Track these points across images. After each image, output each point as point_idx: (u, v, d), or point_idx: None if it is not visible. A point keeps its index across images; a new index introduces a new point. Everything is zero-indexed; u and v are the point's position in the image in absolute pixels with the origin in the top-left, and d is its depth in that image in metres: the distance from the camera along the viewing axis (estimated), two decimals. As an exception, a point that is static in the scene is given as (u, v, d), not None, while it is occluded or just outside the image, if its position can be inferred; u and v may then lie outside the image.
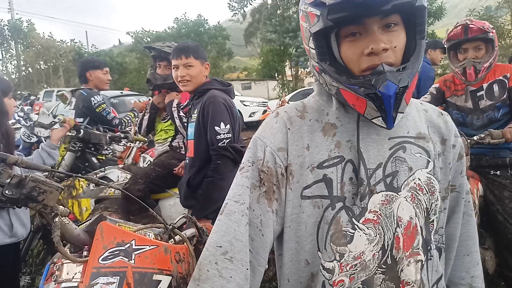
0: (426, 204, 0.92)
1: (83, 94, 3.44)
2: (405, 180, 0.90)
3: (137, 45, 28.47)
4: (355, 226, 0.87)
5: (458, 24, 2.44)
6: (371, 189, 0.88)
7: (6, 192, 0.99)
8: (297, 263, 0.93)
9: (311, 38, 0.87)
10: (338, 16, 0.80)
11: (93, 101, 3.40)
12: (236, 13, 24.38)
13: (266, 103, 14.17)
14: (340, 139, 0.90)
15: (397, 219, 0.88)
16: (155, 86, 3.00)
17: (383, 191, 0.88)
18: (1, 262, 2.00)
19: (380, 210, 0.88)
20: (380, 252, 0.88)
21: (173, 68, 2.32)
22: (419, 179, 0.91)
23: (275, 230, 0.91)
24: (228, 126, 2.18)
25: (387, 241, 0.88)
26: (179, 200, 2.50)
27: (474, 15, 16.97)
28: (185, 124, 2.63)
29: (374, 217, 0.88)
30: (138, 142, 3.88)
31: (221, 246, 0.86)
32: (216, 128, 2.16)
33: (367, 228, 0.88)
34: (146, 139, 3.93)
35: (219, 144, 2.15)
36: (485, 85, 2.43)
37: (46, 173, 1.94)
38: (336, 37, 0.86)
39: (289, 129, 0.93)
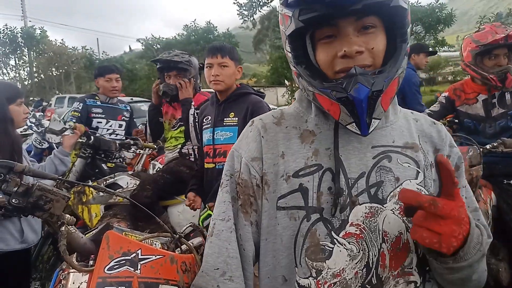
0: None
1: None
2: (391, 191, 0.83)
3: (147, 52, 28.76)
4: (335, 240, 0.80)
5: (485, 29, 2.46)
6: (353, 200, 0.81)
7: (13, 200, 1.00)
8: (274, 280, 0.87)
9: (287, 41, 0.85)
10: (308, 16, 0.77)
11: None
12: (245, 20, 24.51)
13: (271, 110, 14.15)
14: (318, 147, 0.86)
15: (382, 233, 0.81)
16: (172, 97, 2.96)
17: (367, 202, 0.82)
18: (12, 267, 2.02)
19: (363, 223, 0.81)
20: (364, 270, 0.80)
21: (207, 67, 2.30)
22: None
23: (256, 242, 0.90)
24: None
25: (372, 258, 0.80)
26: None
27: (485, 21, 16.84)
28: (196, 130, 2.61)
29: (356, 230, 0.81)
30: (147, 149, 3.89)
31: (218, 268, 0.85)
32: None
33: (348, 242, 0.80)
34: (155, 146, 3.95)
35: None
36: (497, 94, 2.46)
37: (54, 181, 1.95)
38: (311, 40, 0.84)
39: (263, 137, 0.90)
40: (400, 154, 0.86)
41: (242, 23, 26.58)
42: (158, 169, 3.68)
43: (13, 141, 1.97)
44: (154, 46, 28.25)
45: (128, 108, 3.81)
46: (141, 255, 1.10)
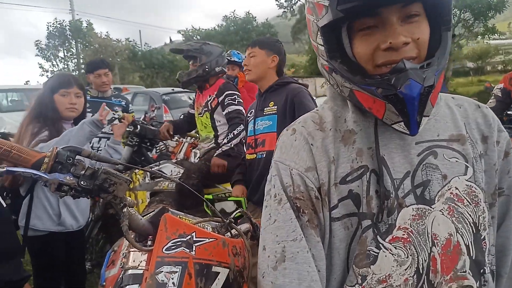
0: (472, 218, 0.78)
1: None
2: (439, 191, 0.77)
3: (179, 45, 29.17)
4: (380, 245, 0.76)
5: None
6: (400, 202, 0.76)
7: (81, 183, 1.07)
8: None
9: (318, 33, 0.77)
10: (350, 6, 0.69)
11: None
12: (285, 11, 24.29)
13: (314, 100, 14.03)
14: (361, 146, 0.79)
15: (432, 236, 0.76)
16: (183, 83, 3.16)
17: (414, 204, 0.77)
18: (51, 248, 2.15)
19: (411, 226, 0.76)
20: (415, 276, 0.75)
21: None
22: (457, 188, 0.78)
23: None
24: None
25: (422, 263, 0.75)
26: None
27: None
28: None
29: (404, 234, 0.76)
30: (189, 137, 4.01)
31: None
32: None
33: (395, 247, 0.76)
34: (197, 135, 4.05)
35: None
36: None
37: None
38: (348, 31, 0.75)
39: (312, 144, 0.82)
40: (447, 149, 0.80)
41: (281, 14, 26.38)
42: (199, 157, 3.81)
43: (57, 131, 2.09)
44: (194, 37, 28.64)
45: (123, 103, 3.79)
46: (196, 238, 1.16)
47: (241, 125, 2.83)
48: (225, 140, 2.89)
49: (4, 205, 1.38)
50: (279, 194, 0.81)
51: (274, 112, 2.28)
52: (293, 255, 0.76)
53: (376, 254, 0.76)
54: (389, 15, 0.71)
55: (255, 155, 2.35)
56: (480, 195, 0.79)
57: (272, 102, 2.30)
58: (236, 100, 2.93)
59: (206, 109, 3.10)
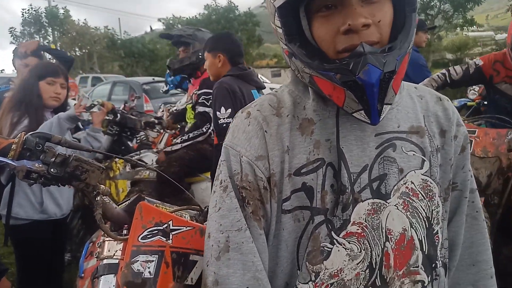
0: (425, 213, 0.77)
1: None
2: (395, 185, 0.75)
3: (168, 32, 28.76)
4: (334, 240, 0.73)
5: None
6: (355, 197, 0.73)
7: (51, 170, 1.03)
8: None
9: (276, 14, 0.72)
10: None
11: None
12: None
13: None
14: (319, 138, 0.75)
15: (386, 231, 0.74)
16: (174, 70, 3.11)
17: (369, 198, 0.74)
18: (34, 237, 2.10)
19: (365, 221, 0.74)
20: (367, 271, 0.74)
21: None
22: (412, 183, 0.76)
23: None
24: (229, 110, 2.23)
25: (375, 258, 0.74)
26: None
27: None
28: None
29: (358, 229, 0.74)
30: (169, 129, 3.96)
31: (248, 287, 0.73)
32: (217, 113, 2.25)
33: (348, 242, 0.73)
34: (178, 126, 4.01)
35: (220, 129, 2.23)
36: None
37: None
38: (307, 12, 0.71)
39: (266, 131, 0.76)
40: (405, 141, 0.77)
41: (263, 2, 26.21)
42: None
43: (36, 114, 2.04)
44: (175, 26, 28.21)
45: None
46: (173, 226, 1.13)
47: (203, 129, 2.83)
48: (178, 140, 2.92)
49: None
50: (225, 181, 0.76)
51: None
52: (238, 245, 0.73)
53: (330, 250, 0.74)
54: None
55: None
56: (435, 190, 0.78)
57: None
58: (209, 101, 2.90)
59: (191, 101, 3.08)
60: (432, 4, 19.85)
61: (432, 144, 0.79)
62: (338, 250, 0.73)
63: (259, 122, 0.77)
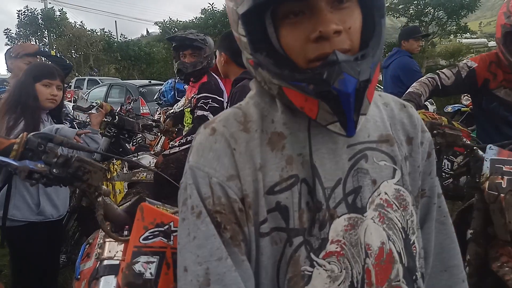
0: (401, 223, 0.74)
1: None
2: (369, 197, 0.72)
3: (164, 35, 28.62)
4: (314, 262, 0.69)
5: None
6: (331, 213, 0.69)
7: (54, 170, 1.03)
8: None
9: (239, 22, 0.67)
10: None
11: None
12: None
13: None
14: (291, 153, 0.70)
15: (365, 247, 0.70)
16: (187, 74, 3.06)
17: (345, 213, 0.70)
18: (30, 238, 2.09)
19: (343, 238, 0.69)
20: None
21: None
22: (386, 193, 0.73)
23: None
24: None
25: (356, 276, 0.70)
26: None
27: None
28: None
29: (337, 248, 0.69)
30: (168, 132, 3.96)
31: None
32: None
33: (329, 263, 0.69)
34: (175, 129, 4.01)
35: None
36: None
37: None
38: (273, 18, 0.66)
39: (234, 149, 0.70)
40: (376, 151, 0.74)
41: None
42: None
43: (32, 116, 2.03)
44: (172, 30, 28.22)
45: None
46: (174, 227, 1.13)
47: None
48: (176, 143, 2.92)
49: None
50: (198, 206, 0.69)
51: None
52: (219, 276, 0.66)
53: (310, 273, 0.69)
54: (317, 0, 0.63)
55: None
56: (408, 198, 0.76)
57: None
58: (208, 105, 2.91)
59: (189, 105, 3.09)
60: (426, 11, 20.04)
61: (401, 152, 0.77)
62: (319, 273, 0.69)
63: (226, 139, 0.71)
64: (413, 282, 0.74)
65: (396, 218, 0.74)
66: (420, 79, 2.23)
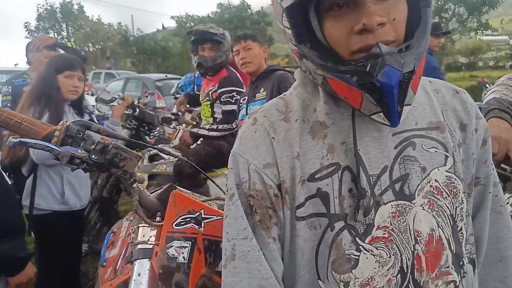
0: (450, 210, 0.75)
1: None
2: (418, 184, 0.72)
3: (180, 30, 28.87)
4: (360, 247, 0.71)
5: None
6: (377, 200, 0.70)
7: (92, 156, 1.07)
8: None
9: (284, 15, 0.69)
10: None
11: None
12: None
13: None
14: (333, 142, 0.72)
15: (414, 233, 0.71)
16: (207, 68, 3.08)
17: (392, 200, 0.71)
18: (56, 227, 2.15)
19: (391, 224, 0.71)
20: (399, 276, 0.70)
21: (236, 55, 2.54)
22: (436, 181, 0.73)
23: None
24: None
25: (406, 262, 0.71)
26: None
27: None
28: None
29: (384, 234, 0.71)
30: (185, 125, 4.00)
31: None
32: None
33: (376, 248, 0.70)
34: (194, 123, 4.05)
35: None
36: None
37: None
38: (317, 12, 0.68)
39: (273, 138, 0.74)
40: (425, 138, 0.74)
41: (276, 2, 26.14)
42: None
43: (56, 108, 2.08)
44: (188, 24, 28.33)
45: None
46: (204, 215, 1.17)
47: (232, 124, 2.93)
48: (207, 126, 2.97)
49: (10, 183, 1.37)
50: (232, 189, 0.75)
51: (264, 97, 2.43)
52: (244, 253, 0.71)
53: (357, 257, 0.70)
54: None
55: None
56: (459, 186, 0.76)
57: (262, 89, 2.46)
58: (234, 98, 2.96)
59: (208, 98, 3.12)
60: (446, 7, 19.71)
61: (454, 139, 0.76)
62: (367, 257, 0.70)
63: (265, 129, 0.75)
64: (460, 267, 0.75)
65: (446, 205, 0.74)
66: (502, 81, 1.71)
